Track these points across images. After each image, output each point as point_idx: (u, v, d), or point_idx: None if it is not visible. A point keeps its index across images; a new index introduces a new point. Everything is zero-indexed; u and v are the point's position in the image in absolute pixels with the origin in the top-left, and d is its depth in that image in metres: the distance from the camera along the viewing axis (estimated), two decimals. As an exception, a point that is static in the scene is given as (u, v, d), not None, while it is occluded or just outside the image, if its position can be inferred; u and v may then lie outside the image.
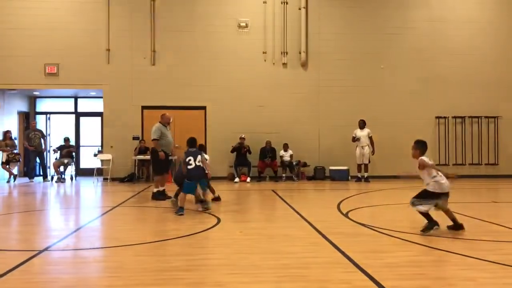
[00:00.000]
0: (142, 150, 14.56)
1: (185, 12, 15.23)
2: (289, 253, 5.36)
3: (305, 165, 15.13)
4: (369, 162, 14.31)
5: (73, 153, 15.69)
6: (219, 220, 7.41)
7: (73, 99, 17.20)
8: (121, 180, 14.47)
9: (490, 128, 15.82)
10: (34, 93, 16.52)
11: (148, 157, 14.28)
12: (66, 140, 15.56)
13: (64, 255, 5.51)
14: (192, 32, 15.19)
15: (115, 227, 7.46)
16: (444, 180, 6.23)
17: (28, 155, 15.52)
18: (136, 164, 14.75)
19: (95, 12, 14.98)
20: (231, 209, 8.98)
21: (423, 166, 6.24)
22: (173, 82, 15.11)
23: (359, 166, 14.39)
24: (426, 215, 6.31)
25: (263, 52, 15.37)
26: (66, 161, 15.25)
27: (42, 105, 17.41)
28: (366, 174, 14.30)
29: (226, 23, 15.34)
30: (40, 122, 16.56)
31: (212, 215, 7.94)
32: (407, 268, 4.72)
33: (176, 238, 6.26)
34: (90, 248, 5.84)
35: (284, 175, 14.77)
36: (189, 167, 8.13)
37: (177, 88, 15.11)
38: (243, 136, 14.71)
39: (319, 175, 15.05)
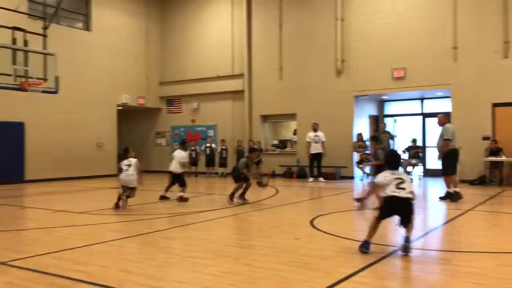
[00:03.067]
0: (494, 151, 13.48)
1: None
2: None
3: None
4: None
5: (420, 154, 15.96)
6: None
7: (419, 101, 17.49)
8: (471, 183, 13.77)
9: None
10: (382, 97, 17.63)
11: (500, 158, 13.28)
12: (414, 141, 16.00)
13: (419, 254, 5.63)
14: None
15: (469, 231, 7.16)
16: None
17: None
18: (488, 166, 13.76)
19: (440, 12, 14.79)
20: None
21: None
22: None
23: None
24: None
25: None
26: (413, 161, 15.68)
27: (390, 108, 18.41)
28: None
29: None
30: (388, 124, 17.55)
31: None
32: None
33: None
34: (444, 250, 5.79)
35: None
36: None
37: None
38: None
39: None
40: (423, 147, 16.84)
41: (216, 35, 19.55)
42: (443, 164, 10.32)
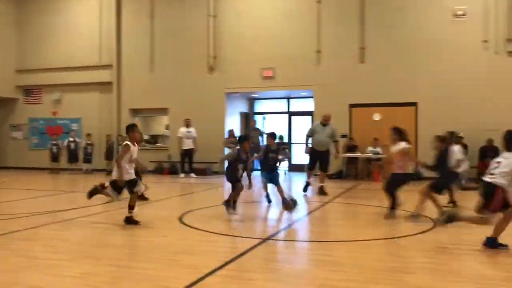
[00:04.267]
0: (350, 148, 14.72)
1: (395, 6, 14.82)
2: None
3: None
4: None
5: (286, 150, 16.79)
6: (435, 224, 7.01)
7: (286, 100, 18.38)
8: (330, 177, 14.82)
9: None
10: (253, 95, 18.18)
11: (355, 155, 14.52)
12: (280, 138, 16.77)
13: (283, 245, 5.94)
14: (402, 25, 14.68)
15: (327, 222, 7.71)
16: None
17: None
18: (345, 162, 14.98)
19: (306, 17, 15.69)
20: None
21: None
22: (381, 78, 14.84)
23: None
24: None
25: (484, 41, 13.93)
26: (280, 157, 16.39)
27: (259, 106, 19.06)
28: None
29: (440, 13, 14.39)
30: (258, 122, 18.16)
31: (429, 218, 7.56)
32: None
33: (390, 238, 6.17)
34: (306, 241, 6.17)
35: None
36: None
37: (386, 85, 14.79)
38: (461, 135, 13.58)
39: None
40: (289, 144, 17.76)
41: (82, 22, 18.32)
42: (326, 162, 11.15)
